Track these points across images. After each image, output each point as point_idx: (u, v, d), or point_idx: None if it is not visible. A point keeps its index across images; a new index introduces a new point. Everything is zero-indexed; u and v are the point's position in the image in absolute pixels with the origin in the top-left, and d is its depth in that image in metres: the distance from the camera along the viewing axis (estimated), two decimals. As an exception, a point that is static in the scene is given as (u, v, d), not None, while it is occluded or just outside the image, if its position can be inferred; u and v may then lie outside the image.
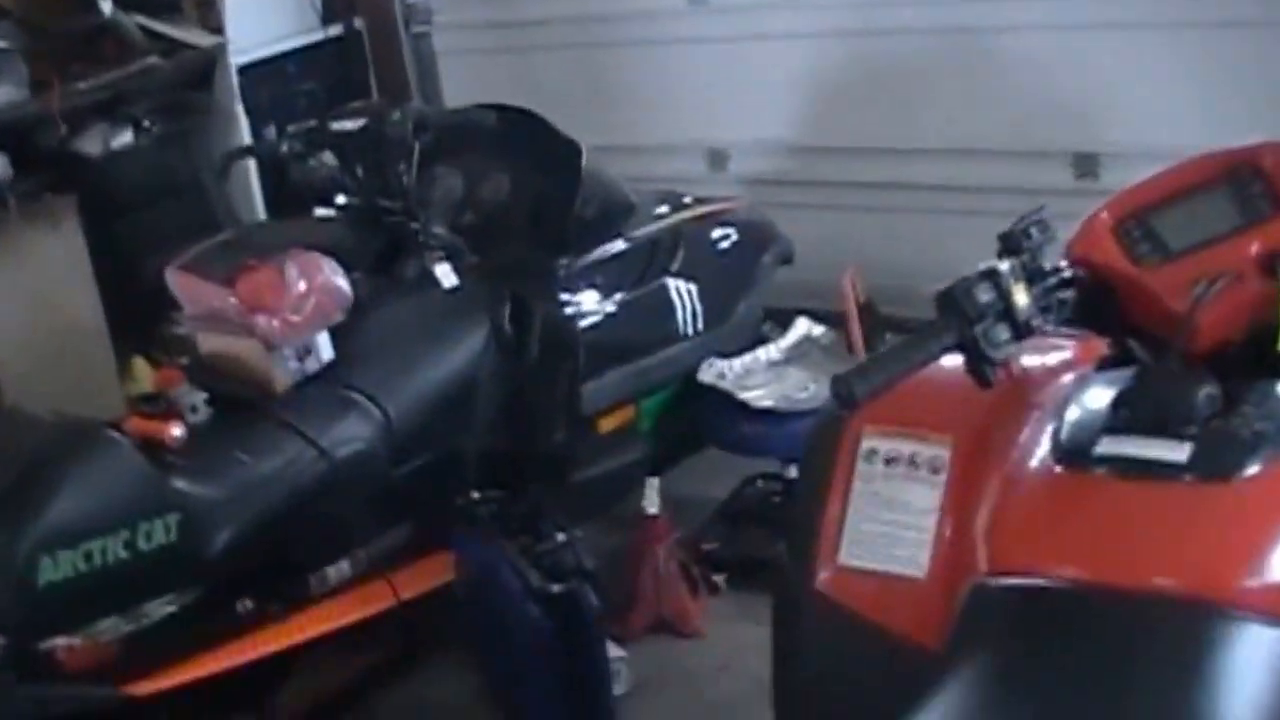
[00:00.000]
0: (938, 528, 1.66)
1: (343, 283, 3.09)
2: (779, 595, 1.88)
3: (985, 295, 1.49)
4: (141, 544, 2.57)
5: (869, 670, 1.66)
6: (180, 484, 2.71)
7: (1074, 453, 1.53)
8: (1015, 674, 1.39)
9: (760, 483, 3.75)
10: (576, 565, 2.80)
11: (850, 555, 1.72)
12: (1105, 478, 1.50)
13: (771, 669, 1.86)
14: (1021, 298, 1.50)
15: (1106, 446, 1.51)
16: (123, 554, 2.55)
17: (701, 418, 3.66)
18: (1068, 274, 1.59)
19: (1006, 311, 1.49)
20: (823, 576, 1.73)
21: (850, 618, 1.70)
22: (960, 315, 1.49)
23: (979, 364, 1.50)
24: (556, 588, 2.75)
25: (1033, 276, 1.53)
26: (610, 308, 3.49)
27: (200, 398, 2.92)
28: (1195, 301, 1.52)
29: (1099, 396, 1.58)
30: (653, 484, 3.41)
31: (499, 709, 3.08)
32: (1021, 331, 1.51)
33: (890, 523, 1.70)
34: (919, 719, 1.35)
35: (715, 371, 3.64)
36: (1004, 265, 1.51)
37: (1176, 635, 1.36)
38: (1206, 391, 1.50)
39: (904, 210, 4.44)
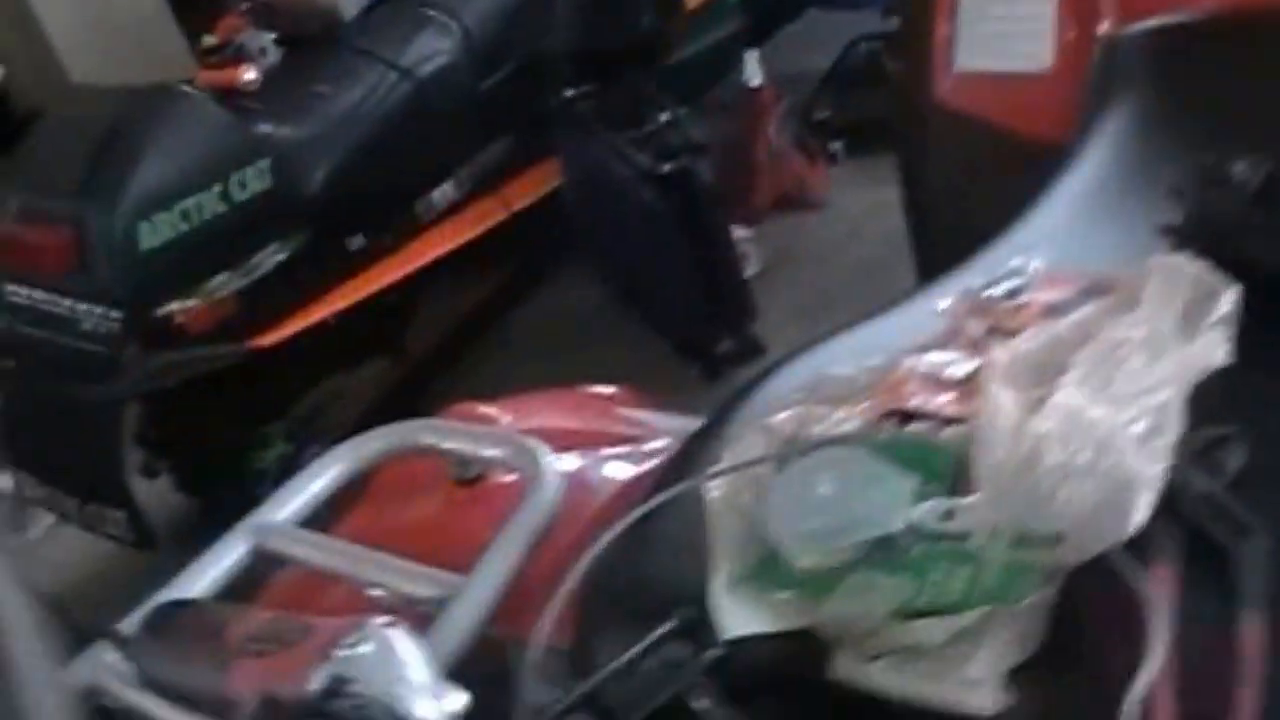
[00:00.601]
0: (1057, 13, 1.48)
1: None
2: (898, 116, 1.75)
3: None
4: (236, 194, 2.45)
5: (999, 175, 1.50)
6: (264, 128, 2.58)
7: None
8: (1160, 121, 1.22)
9: (865, 44, 3.50)
10: (685, 142, 2.63)
11: (968, 59, 1.56)
12: None
13: (901, 196, 1.73)
14: None
15: None
16: (220, 207, 2.43)
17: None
18: None
19: None
20: (941, 87, 1.58)
21: (974, 125, 1.55)
22: None
23: None
24: (668, 166, 2.59)
25: None
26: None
27: (268, 39, 2.76)
28: None
29: None
30: (752, 56, 3.20)
31: (633, 308, 2.98)
32: None
33: (1007, 18, 1.54)
34: (1063, 181, 1.19)
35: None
36: None
37: None
38: None
39: None
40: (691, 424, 1.05)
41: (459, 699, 0.74)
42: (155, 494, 2.71)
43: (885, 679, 0.77)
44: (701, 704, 0.76)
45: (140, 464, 2.67)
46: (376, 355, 2.88)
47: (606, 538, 0.84)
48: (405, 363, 2.95)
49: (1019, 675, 0.74)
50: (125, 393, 2.47)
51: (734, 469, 0.83)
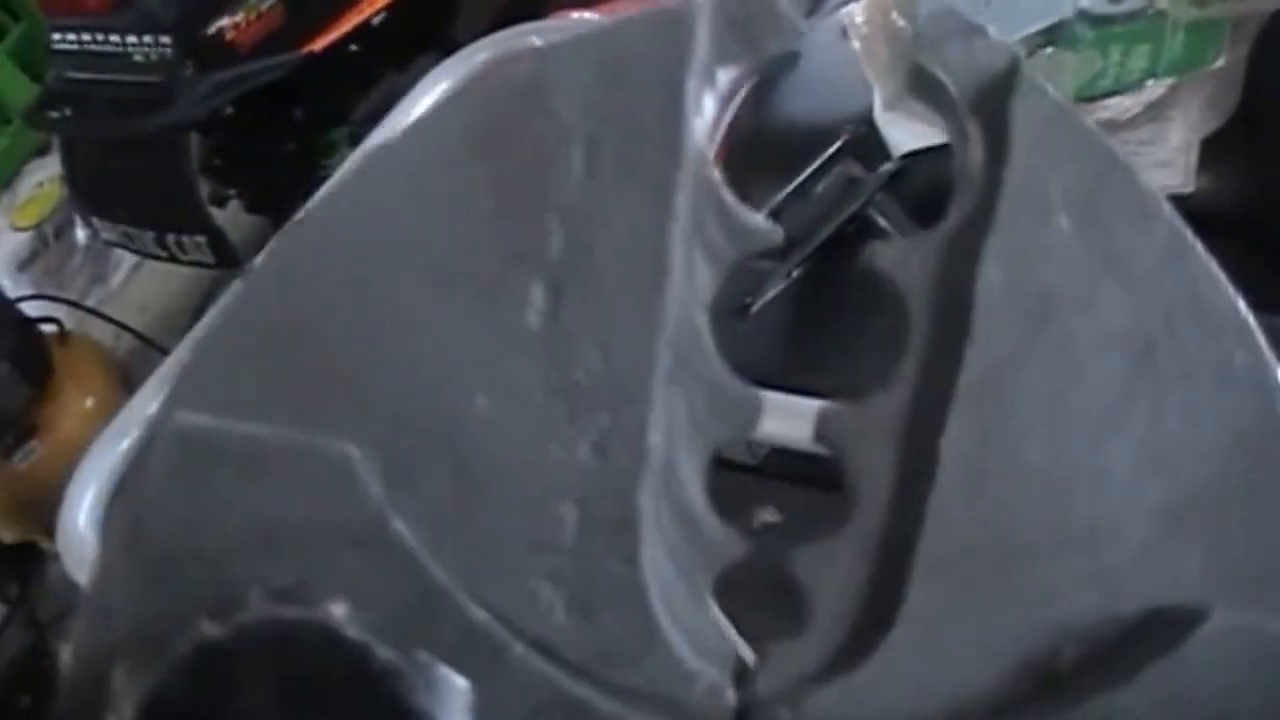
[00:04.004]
0: None
1: None
2: None
3: None
4: (267, -99, 2.32)
5: None
6: None
7: None
8: None
9: None
10: None
11: None
12: None
13: None
14: None
15: None
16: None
17: None
18: None
19: None
20: None
21: None
22: None
23: None
24: None
25: None
26: None
27: None
28: None
29: None
30: None
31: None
32: None
33: None
34: None
35: None
36: None
37: None
38: None
39: None
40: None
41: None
42: (228, 220, 2.65)
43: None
44: (883, 220, 0.70)
45: (208, 194, 2.61)
46: (425, 51, 2.76)
47: (749, 84, 0.76)
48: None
49: (1209, 150, 0.67)
50: (187, 116, 2.39)
51: (880, -13, 0.75)
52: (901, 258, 0.34)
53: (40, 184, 3.22)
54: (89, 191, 2.63)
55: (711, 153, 0.35)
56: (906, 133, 0.73)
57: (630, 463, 0.32)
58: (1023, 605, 0.31)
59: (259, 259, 0.36)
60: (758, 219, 0.35)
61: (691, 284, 0.34)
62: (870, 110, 0.74)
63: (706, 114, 0.35)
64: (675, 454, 0.33)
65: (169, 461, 0.34)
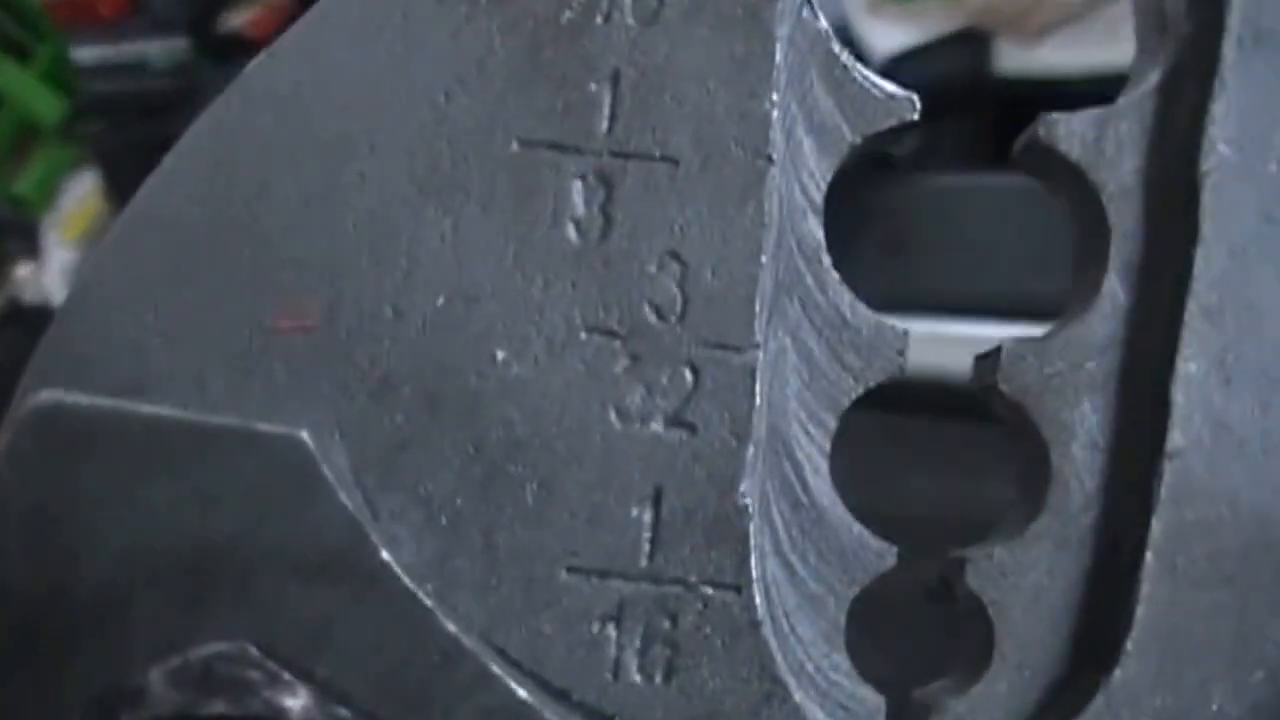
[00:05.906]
0: None
1: None
2: None
3: None
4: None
5: None
6: None
7: None
8: None
9: None
10: None
11: None
12: None
13: None
14: None
15: None
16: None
17: None
18: None
19: None
20: None
21: None
22: None
23: None
24: None
25: None
26: None
27: None
28: None
29: None
30: None
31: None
32: None
33: None
34: None
35: None
36: None
37: None
38: None
39: None
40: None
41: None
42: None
43: (1056, 57, 0.68)
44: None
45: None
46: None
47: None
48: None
49: None
50: (212, 113, 2.40)
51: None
52: (1093, 134, 0.23)
53: (81, 198, 3.24)
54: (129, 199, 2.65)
55: None
56: (888, 35, 0.72)
57: (727, 437, 0.22)
58: None
59: (170, 154, 0.26)
60: (885, 84, 0.24)
61: (798, 175, 0.23)
62: (843, 18, 0.72)
63: None
64: (786, 422, 0.23)
65: (24, 461, 0.23)
